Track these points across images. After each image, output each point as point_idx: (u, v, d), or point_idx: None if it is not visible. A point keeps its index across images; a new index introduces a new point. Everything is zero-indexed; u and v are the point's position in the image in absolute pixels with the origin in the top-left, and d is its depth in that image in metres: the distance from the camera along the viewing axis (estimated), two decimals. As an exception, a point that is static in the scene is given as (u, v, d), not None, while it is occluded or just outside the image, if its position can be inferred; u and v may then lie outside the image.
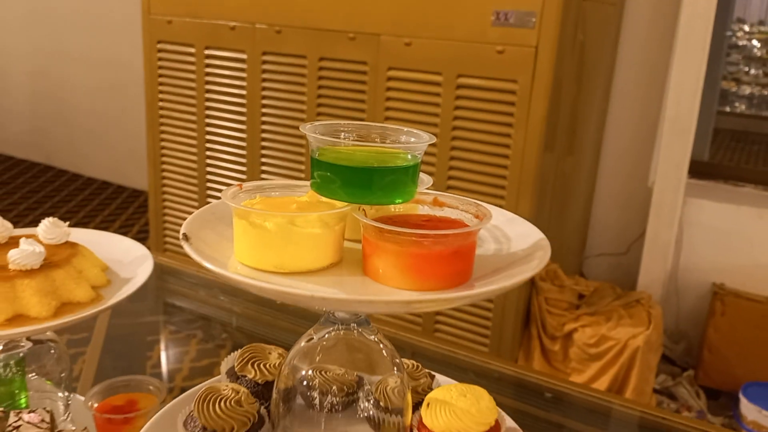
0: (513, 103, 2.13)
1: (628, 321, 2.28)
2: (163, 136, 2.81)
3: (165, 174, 2.84)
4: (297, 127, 2.43)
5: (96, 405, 0.78)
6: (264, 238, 0.43)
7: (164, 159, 2.83)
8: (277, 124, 2.53)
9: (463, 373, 1.31)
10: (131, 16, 3.19)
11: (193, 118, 2.71)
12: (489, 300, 2.29)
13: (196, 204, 2.80)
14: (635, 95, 2.72)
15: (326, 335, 0.51)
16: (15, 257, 0.73)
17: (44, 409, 0.77)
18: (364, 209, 0.46)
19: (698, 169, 2.83)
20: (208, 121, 2.68)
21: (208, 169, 2.72)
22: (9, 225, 0.81)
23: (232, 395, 0.53)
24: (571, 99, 2.35)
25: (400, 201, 0.47)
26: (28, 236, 0.78)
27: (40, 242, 0.77)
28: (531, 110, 2.12)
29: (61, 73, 4.45)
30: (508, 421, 0.57)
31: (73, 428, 0.74)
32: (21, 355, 0.84)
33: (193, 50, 2.65)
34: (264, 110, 2.55)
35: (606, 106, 2.78)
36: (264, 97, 2.53)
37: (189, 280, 1.64)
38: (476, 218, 0.47)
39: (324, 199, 0.47)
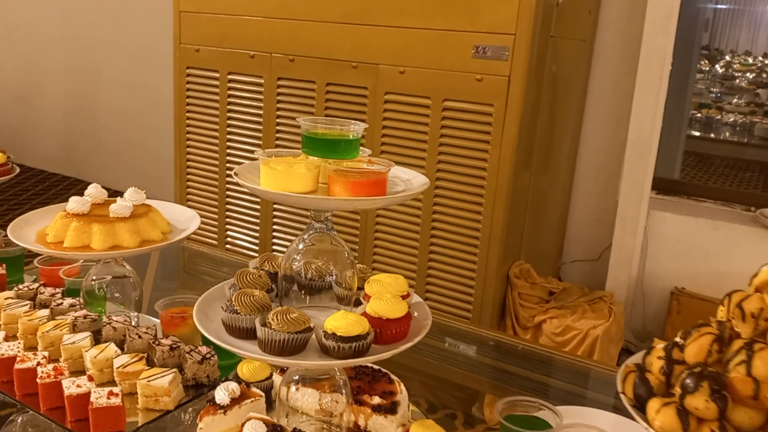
0: (490, 123, 2.54)
1: (591, 314, 2.64)
2: (189, 149, 3.25)
3: (189, 184, 3.27)
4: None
5: (161, 311, 1.18)
6: (276, 174, 0.83)
7: (189, 171, 3.26)
8: (289, 140, 2.96)
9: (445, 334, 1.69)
10: (162, 44, 3.64)
11: (216, 134, 3.15)
12: (468, 293, 2.68)
13: (216, 211, 3.22)
14: (606, 120, 3.12)
15: (307, 238, 0.91)
16: (114, 209, 1.14)
17: (123, 314, 1.18)
18: (328, 162, 0.86)
19: (666, 187, 3.21)
20: (229, 137, 3.11)
21: (228, 179, 3.15)
22: (104, 191, 1.23)
23: (256, 273, 0.93)
24: (545, 123, 2.75)
25: (348, 158, 0.87)
26: (114, 199, 1.20)
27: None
28: (505, 130, 2.53)
29: (94, 93, 4.93)
30: (416, 297, 0.96)
31: (145, 327, 1.14)
32: (105, 284, 1.25)
33: (217, 75, 3.09)
34: (278, 127, 2.98)
35: (579, 129, 3.19)
36: (278, 116, 2.96)
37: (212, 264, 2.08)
38: (387, 168, 0.88)
39: (309, 157, 0.88)
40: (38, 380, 0.99)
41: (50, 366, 1.01)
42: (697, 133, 4.40)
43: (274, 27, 2.92)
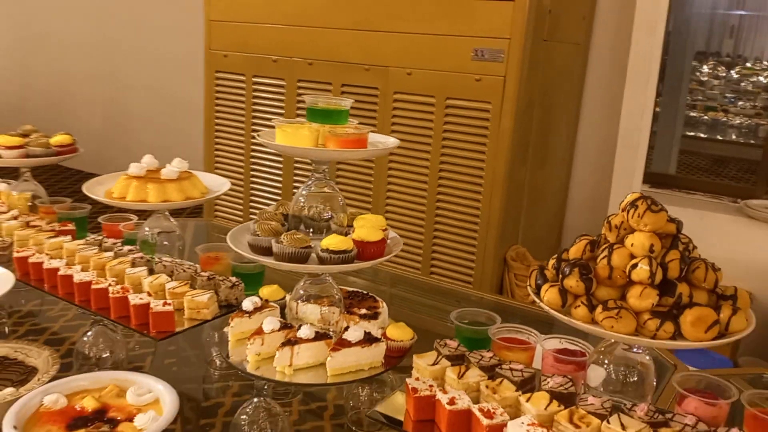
0: (488, 119, 2.87)
1: (581, 294, 2.94)
2: (217, 147, 3.63)
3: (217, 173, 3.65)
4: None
5: (201, 253, 1.54)
6: (286, 134, 1.18)
7: (217, 167, 3.63)
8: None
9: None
10: (191, 52, 4.03)
11: (242, 131, 3.52)
12: (469, 274, 3.00)
13: (241, 205, 3.59)
14: (600, 118, 3.42)
15: (310, 184, 1.26)
16: (165, 172, 1.50)
17: (170, 259, 1.53)
18: (325, 126, 1.22)
19: (660, 180, 3.50)
20: (253, 134, 3.48)
21: (252, 173, 3.52)
22: (156, 161, 1.59)
23: (273, 212, 1.28)
24: (540, 119, 3.07)
25: (339, 124, 1.22)
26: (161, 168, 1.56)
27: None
28: (501, 125, 2.85)
29: (125, 99, 5.36)
30: (392, 233, 1.29)
31: (188, 264, 1.49)
32: (156, 237, 1.61)
33: (243, 78, 3.47)
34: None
35: (576, 126, 3.50)
36: (298, 115, 3.32)
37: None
38: (367, 131, 1.22)
39: (312, 124, 1.23)
40: (110, 295, 1.34)
41: (118, 287, 1.37)
42: (704, 135, 4.69)
43: (294, 34, 3.29)
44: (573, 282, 1.01)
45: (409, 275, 2.55)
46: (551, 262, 1.09)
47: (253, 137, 3.51)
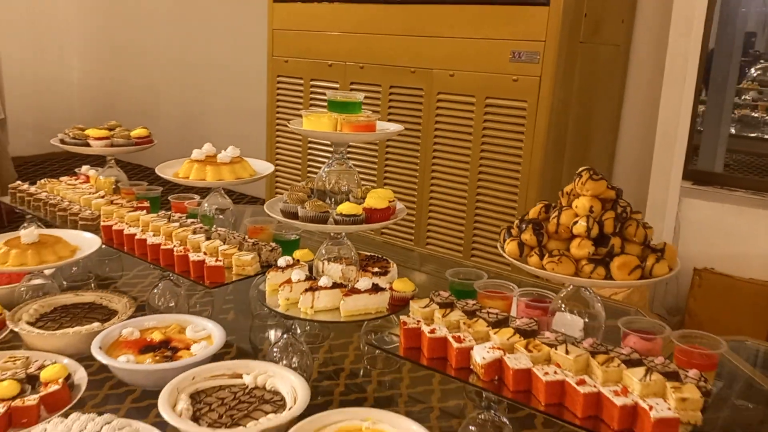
0: (524, 116, 3.13)
1: (614, 284, 3.14)
2: (278, 143, 4.02)
3: (278, 169, 4.03)
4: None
5: (249, 225, 1.88)
6: (310, 121, 1.50)
7: (278, 160, 4.02)
8: (358, 134, 3.66)
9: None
10: (255, 60, 4.44)
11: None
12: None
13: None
14: (641, 118, 3.60)
15: (332, 163, 1.57)
16: (220, 157, 1.86)
17: (224, 229, 1.88)
18: (341, 115, 1.53)
19: (704, 178, 3.63)
20: (310, 132, 3.85)
21: (309, 164, 3.88)
22: (214, 148, 1.95)
23: (301, 186, 1.61)
24: (577, 118, 3.29)
25: (354, 113, 1.53)
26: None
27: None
28: (537, 123, 3.10)
29: (201, 103, 5.87)
30: (399, 204, 1.59)
31: (237, 233, 1.83)
32: (213, 212, 1.97)
33: (302, 81, 3.85)
34: (349, 123, 3.68)
35: (617, 126, 3.69)
36: (350, 114, 3.67)
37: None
38: (376, 118, 1.53)
39: (332, 114, 1.55)
40: (175, 254, 1.70)
41: (181, 248, 1.72)
42: (753, 134, 4.77)
43: (347, 40, 3.64)
44: (528, 236, 1.28)
45: (440, 255, 2.84)
46: (515, 223, 1.36)
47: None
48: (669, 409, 1.07)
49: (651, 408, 1.06)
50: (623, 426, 1.09)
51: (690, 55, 3.30)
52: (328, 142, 1.62)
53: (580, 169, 1.29)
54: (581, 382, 1.14)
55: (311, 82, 3.83)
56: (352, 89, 3.65)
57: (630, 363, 1.19)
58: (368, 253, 1.73)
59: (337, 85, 3.72)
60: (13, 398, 1.34)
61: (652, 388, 1.12)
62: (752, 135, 4.65)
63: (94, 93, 6.92)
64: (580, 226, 1.23)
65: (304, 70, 3.86)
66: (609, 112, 3.62)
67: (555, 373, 1.17)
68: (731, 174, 3.90)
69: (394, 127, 1.63)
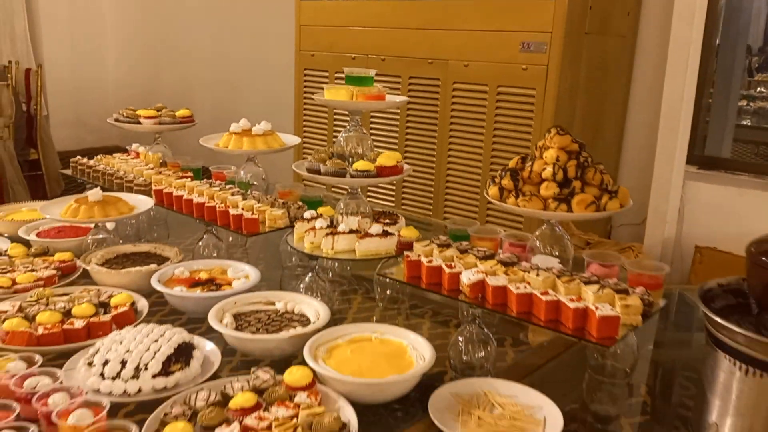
0: (533, 103, 3.43)
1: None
2: (305, 132, 4.37)
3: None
4: (396, 124, 3.88)
5: (279, 189, 2.23)
6: (331, 93, 1.84)
7: (305, 149, 4.38)
8: (382, 123, 3.99)
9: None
10: (283, 54, 4.81)
11: (325, 121, 4.24)
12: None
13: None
14: (648, 105, 3.88)
15: (349, 128, 1.91)
16: (254, 130, 2.21)
17: (258, 192, 2.23)
18: (357, 87, 1.86)
19: (709, 162, 3.89)
20: (335, 119, 4.20)
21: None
22: (249, 123, 2.30)
23: (323, 150, 1.94)
24: (585, 105, 3.58)
25: (366, 86, 1.86)
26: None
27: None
28: (545, 109, 3.41)
29: (233, 101, 6.26)
30: (406, 165, 1.91)
31: (269, 195, 2.18)
32: (248, 178, 2.32)
33: (327, 74, 4.20)
34: (373, 112, 4.01)
35: (625, 113, 3.97)
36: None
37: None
38: (385, 91, 1.86)
39: (349, 87, 1.88)
40: (217, 209, 2.05)
41: (222, 204, 2.08)
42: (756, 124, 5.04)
43: (370, 34, 3.98)
44: (506, 181, 1.60)
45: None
46: (499, 171, 1.68)
47: (335, 121, 4.23)
48: (612, 310, 1.38)
49: (597, 308, 1.38)
50: (576, 325, 1.41)
51: (693, 42, 3.57)
52: (348, 125, 1.96)
53: (550, 126, 1.61)
54: (545, 293, 1.46)
55: (336, 75, 4.17)
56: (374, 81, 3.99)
57: (588, 282, 1.50)
58: (380, 210, 2.06)
59: (403, 96, 4.05)
60: (90, 317, 1.70)
61: (603, 298, 1.43)
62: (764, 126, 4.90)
63: (129, 91, 7.36)
64: (548, 172, 1.55)
65: (329, 63, 4.20)
66: (617, 100, 3.91)
67: (525, 287, 1.49)
68: (736, 159, 4.15)
69: (401, 99, 1.97)
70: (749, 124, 4.95)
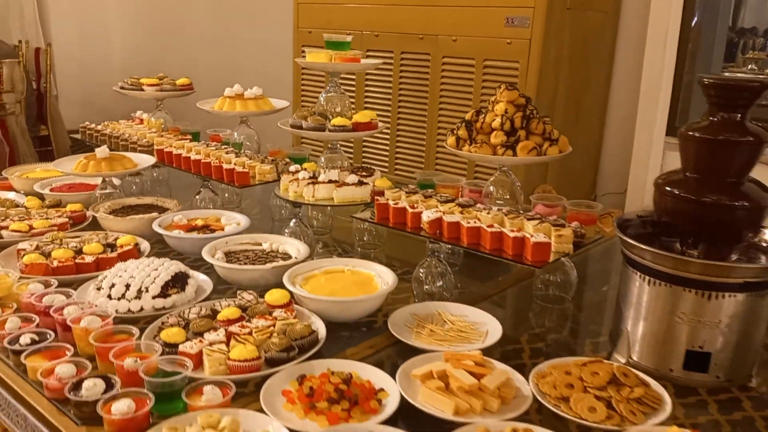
0: (516, 76, 3.66)
1: (596, 224, 3.66)
2: (303, 103, 4.62)
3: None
4: (389, 97, 4.12)
5: (270, 149, 2.48)
6: (312, 56, 2.09)
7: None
8: (376, 96, 4.23)
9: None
10: (281, 32, 5.05)
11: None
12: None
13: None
14: (630, 79, 4.09)
15: (329, 89, 2.15)
16: (246, 94, 2.46)
17: (250, 152, 2.49)
18: (335, 51, 2.12)
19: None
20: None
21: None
22: (241, 87, 2.55)
23: (306, 109, 2.20)
24: (568, 78, 3.80)
25: (344, 50, 2.10)
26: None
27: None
28: (528, 81, 3.63)
29: (236, 80, 6.50)
30: (381, 123, 2.14)
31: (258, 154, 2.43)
32: (241, 139, 2.57)
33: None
34: (367, 86, 4.25)
35: (608, 86, 4.19)
36: (367, 79, 4.24)
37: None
38: (360, 54, 2.09)
39: (329, 51, 2.14)
40: (212, 165, 2.31)
41: (216, 160, 2.33)
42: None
43: (364, 11, 4.21)
44: (462, 131, 1.84)
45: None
46: (456, 125, 1.93)
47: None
48: (545, 237, 1.63)
49: (532, 236, 1.62)
50: (516, 252, 1.65)
51: (672, 18, 3.78)
52: (328, 86, 2.20)
53: (500, 84, 1.85)
54: (490, 226, 1.70)
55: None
56: (368, 56, 4.23)
57: (531, 219, 1.75)
58: (357, 165, 2.31)
59: (377, 59, 4.29)
60: (99, 254, 1.96)
61: (541, 230, 1.68)
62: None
63: (135, 71, 7.61)
64: (497, 122, 1.79)
65: (322, 40, 4.43)
66: (600, 73, 4.12)
67: (475, 222, 1.73)
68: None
69: (375, 61, 2.21)
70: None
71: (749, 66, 6.09)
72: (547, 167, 3.92)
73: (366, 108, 4.26)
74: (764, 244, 1.51)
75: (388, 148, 4.24)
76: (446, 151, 4.00)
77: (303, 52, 4.60)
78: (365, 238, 2.22)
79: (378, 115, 4.31)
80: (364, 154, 4.33)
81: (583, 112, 4.05)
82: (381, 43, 4.18)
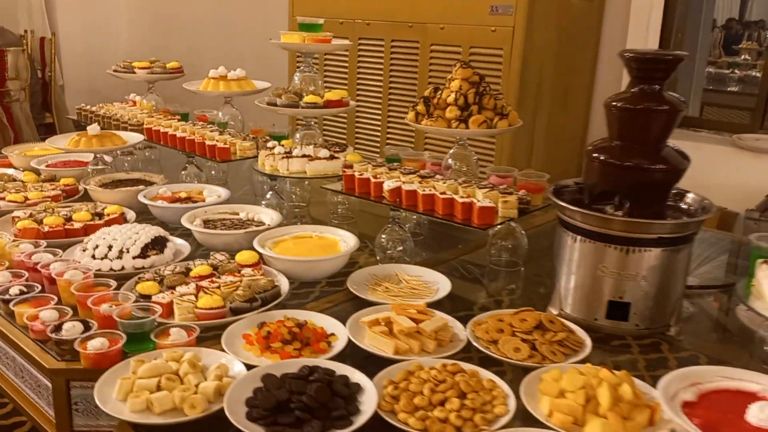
0: (501, 62, 3.81)
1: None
2: (297, 93, 4.78)
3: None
4: (380, 83, 4.28)
5: (252, 128, 2.65)
6: (287, 38, 2.27)
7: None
8: (368, 83, 4.39)
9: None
10: (281, 22, 5.21)
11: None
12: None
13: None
14: (615, 66, 4.23)
15: (304, 68, 2.32)
16: (230, 75, 2.63)
17: (233, 130, 2.66)
18: (308, 33, 2.28)
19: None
20: (326, 84, 4.60)
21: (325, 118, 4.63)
22: (226, 69, 2.72)
23: (283, 88, 2.37)
24: (552, 65, 3.94)
25: (316, 32, 2.27)
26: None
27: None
28: (511, 67, 3.78)
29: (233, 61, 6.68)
30: (353, 102, 2.30)
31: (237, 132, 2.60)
32: (226, 118, 2.74)
33: (317, 37, 4.60)
34: (359, 73, 4.41)
35: (594, 73, 4.33)
36: (359, 65, 4.40)
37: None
38: (331, 36, 2.25)
39: (302, 33, 2.31)
40: (196, 141, 2.48)
41: (201, 138, 2.50)
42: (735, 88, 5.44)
43: (356, 0, 4.37)
44: (420, 107, 2.00)
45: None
46: (415, 101, 2.09)
47: (326, 85, 4.63)
48: (490, 202, 1.78)
49: (478, 202, 1.78)
50: (464, 216, 1.81)
51: (654, 8, 3.92)
52: (302, 66, 2.36)
53: (456, 62, 2.01)
54: (443, 193, 1.86)
55: (325, 39, 4.57)
56: (360, 44, 4.40)
57: (483, 187, 1.91)
58: (333, 141, 2.47)
59: (347, 41, 4.45)
60: (88, 221, 2.14)
61: (490, 197, 1.84)
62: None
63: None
64: (451, 98, 1.95)
65: (319, 28, 4.60)
66: (586, 61, 4.26)
67: (430, 190, 1.89)
68: (697, 118, 4.50)
69: (345, 42, 2.37)
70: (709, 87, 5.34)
71: (743, 57, 6.23)
72: (531, 151, 4.07)
73: (359, 93, 4.42)
74: (685, 207, 1.66)
75: (379, 129, 4.40)
76: (435, 130, 4.18)
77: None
78: (339, 211, 2.39)
79: (370, 99, 4.50)
80: (356, 135, 4.50)
81: (570, 99, 4.19)
82: (372, 31, 4.34)
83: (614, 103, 1.56)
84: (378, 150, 4.42)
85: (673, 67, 1.51)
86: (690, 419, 1.17)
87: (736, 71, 5.99)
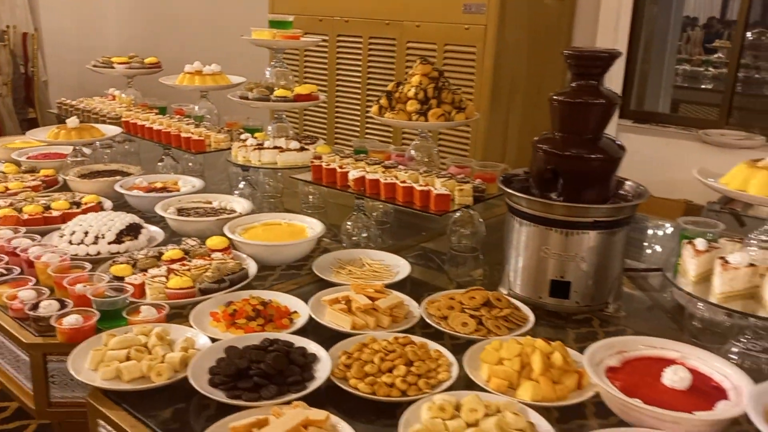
0: (474, 59, 3.94)
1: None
2: (277, 89, 4.90)
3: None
4: (358, 79, 4.40)
5: (227, 121, 2.77)
6: (258, 33, 2.38)
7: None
8: (346, 79, 4.51)
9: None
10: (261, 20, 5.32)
11: (296, 78, 4.75)
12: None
13: (295, 135, 4.83)
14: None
15: (275, 63, 2.43)
16: (205, 70, 2.74)
17: (209, 123, 2.77)
18: (278, 30, 2.41)
19: (643, 117, 4.39)
20: (306, 78, 4.72)
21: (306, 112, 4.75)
22: (202, 65, 2.83)
23: (255, 82, 2.48)
24: (525, 62, 4.07)
25: (286, 29, 2.39)
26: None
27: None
28: (484, 64, 3.92)
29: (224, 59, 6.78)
30: (322, 95, 2.42)
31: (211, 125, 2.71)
32: (203, 112, 2.86)
33: (296, 34, 4.71)
34: (338, 69, 4.53)
35: (565, 74, 4.46)
36: (338, 62, 4.52)
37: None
38: (302, 33, 2.37)
39: (272, 29, 2.42)
40: (171, 134, 2.59)
41: (177, 130, 2.62)
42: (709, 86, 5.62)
43: (335, -2, 4.50)
44: (383, 101, 2.13)
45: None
46: (379, 95, 2.21)
47: (306, 80, 4.75)
48: (446, 190, 1.91)
49: (435, 189, 1.91)
50: (423, 203, 1.94)
51: (623, 7, 4.06)
52: (273, 62, 2.48)
53: (418, 58, 2.13)
54: (403, 182, 1.99)
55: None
56: (338, 41, 4.52)
57: (441, 176, 2.03)
58: (304, 135, 2.59)
59: (327, 37, 4.57)
60: (66, 210, 2.25)
61: (447, 186, 1.96)
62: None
63: (123, 57, 7.88)
64: (411, 92, 2.08)
65: (299, 25, 4.67)
66: (558, 60, 4.38)
67: (391, 179, 2.02)
68: (667, 114, 4.66)
69: (313, 39, 2.50)
70: (684, 84, 5.49)
71: (717, 54, 6.39)
72: (505, 147, 4.21)
73: (338, 88, 4.55)
74: (623, 193, 1.79)
75: (358, 122, 4.52)
76: (396, 123, 4.30)
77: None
78: (310, 200, 2.51)
79: (349, 94, 4.62)
80: (336, 128, 4.62)
81: (543, 95, 4.32)
82: (351, 28, 4.46)
83: (555, 98, 1.69)
84: (357, 138, 4.54)
85: (609, 63, 1.64)
86: (612, 382, 1.30)
87: (710, 69, 6.17)
